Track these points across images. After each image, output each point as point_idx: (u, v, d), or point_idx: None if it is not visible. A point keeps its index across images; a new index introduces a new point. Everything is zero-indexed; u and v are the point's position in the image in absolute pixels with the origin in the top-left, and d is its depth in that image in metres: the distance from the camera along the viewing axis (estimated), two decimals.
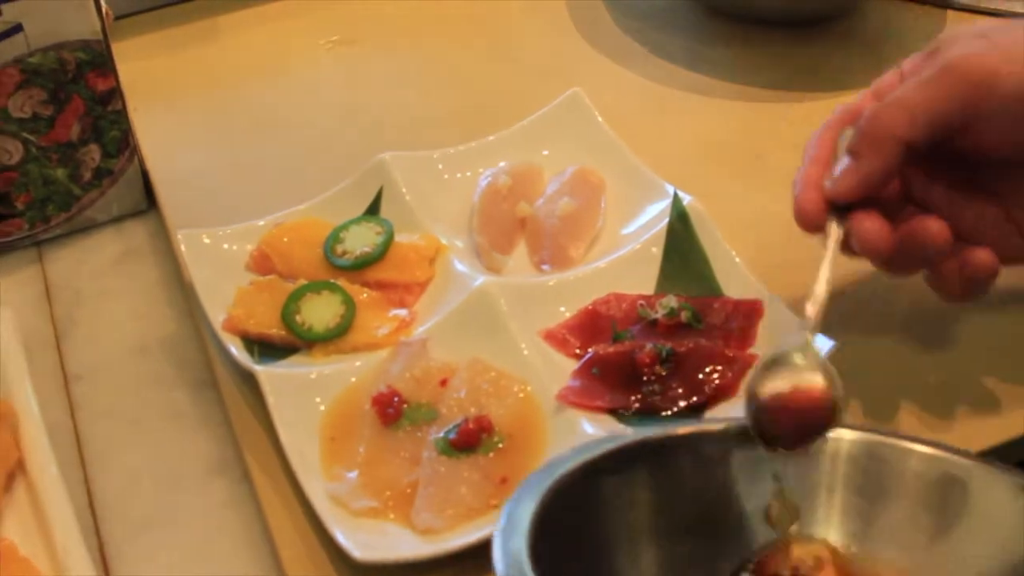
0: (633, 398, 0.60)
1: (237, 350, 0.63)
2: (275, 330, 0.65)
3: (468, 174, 0.75)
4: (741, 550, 0.51)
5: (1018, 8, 0.87)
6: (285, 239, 0.69)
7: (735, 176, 0.75)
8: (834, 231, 0.57)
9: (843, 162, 0.57)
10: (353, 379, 0.62)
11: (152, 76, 0.87)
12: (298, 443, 0.59)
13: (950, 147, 0.57)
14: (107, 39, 0.71)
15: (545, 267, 0.69)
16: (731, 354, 0.60)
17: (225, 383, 0.64)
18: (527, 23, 0.92)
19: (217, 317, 0.65)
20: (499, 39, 0.91)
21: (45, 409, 0.60)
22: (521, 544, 0.43)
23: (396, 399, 0.60)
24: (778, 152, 0.77)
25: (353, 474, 0.58)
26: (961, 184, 0.58)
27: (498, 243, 0.70)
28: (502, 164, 0.74)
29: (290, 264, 0.69)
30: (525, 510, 0.45)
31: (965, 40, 0.56)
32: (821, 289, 0.55)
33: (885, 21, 0.89)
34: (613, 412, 0.60)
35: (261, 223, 0.71)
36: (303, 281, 0.67)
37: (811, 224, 0.58)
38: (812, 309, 0.55)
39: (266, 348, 0.65)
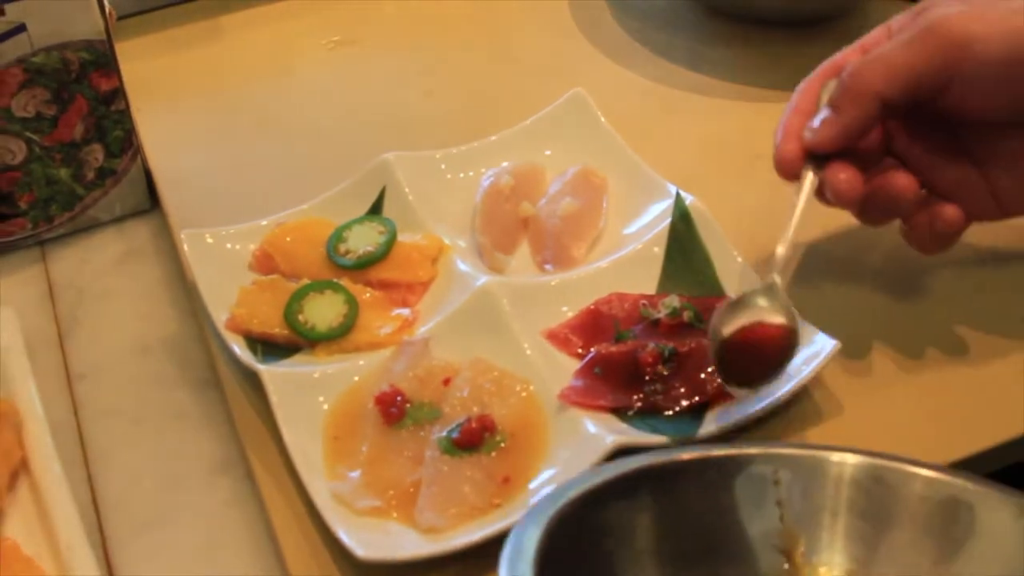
0: (635, 398, 0.60)
1: (240, 349, 0.63)
2: (278, 329, 0.65)
3: (471, 174, 0.75)
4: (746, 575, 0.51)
5: None
6: (288, 239, 0.69)
7: (736, 176, 0.75)
8: (809, 179, 0.59)
9: (823, 114, 0.59)
10: (356, 378, 0.63)
11: (155, 76, 0.87)
12: (301, 442, 0.59)
13: (932, 107, 0.58)
14: (110, 39, 0.71)
15: (547, 267, 0.69)
16: None
17: (228, 382, 0.64)
18: (529, 23, 0.92)
19: (220, 316, 0.65)
20: (501, 39, 0.91)
21: (48, 408, 0.60)
22: (527, 571, 0.43)
23: (399, 398, 0.60)
24: None
25: (356, 473, 0.58)
26: (941, 143, 0.59)
27: (500, 243, 0.70)
28: (504, 164, 0.75)
29: (293, 263, 0.69)
30: (531, 537, 0.45)
31: (948, 1, 0.57)
32: (790, 233, 0.58)
33: (885, 21, 0.89)
34: (615, 412, 0.60)
35: (264, 223, 0.71)
36: (306, 280, 0.67)
37: (790, 172, 0.60)
38: (781, 250, 0.58)
39: (269, 347, 0.65)
